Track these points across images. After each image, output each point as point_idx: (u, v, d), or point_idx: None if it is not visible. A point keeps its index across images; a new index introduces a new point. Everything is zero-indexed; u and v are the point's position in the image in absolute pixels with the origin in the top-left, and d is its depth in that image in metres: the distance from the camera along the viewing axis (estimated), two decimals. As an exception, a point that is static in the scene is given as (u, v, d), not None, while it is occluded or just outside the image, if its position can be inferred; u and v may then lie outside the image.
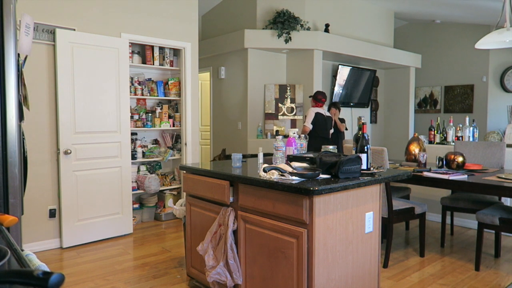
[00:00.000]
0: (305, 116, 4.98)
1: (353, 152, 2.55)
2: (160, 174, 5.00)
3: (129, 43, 4.35)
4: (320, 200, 2.00)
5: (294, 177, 2.12)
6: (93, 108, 4.02)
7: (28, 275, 0.67)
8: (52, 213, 3.86)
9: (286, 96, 6.10)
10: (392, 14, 7.50)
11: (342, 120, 5.99)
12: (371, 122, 7.77)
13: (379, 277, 2.45)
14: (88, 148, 3.99)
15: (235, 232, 2.42)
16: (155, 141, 5.10)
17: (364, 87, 7.20)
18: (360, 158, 2.31)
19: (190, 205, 2.86)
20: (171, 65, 4.94)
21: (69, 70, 3.84)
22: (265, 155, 2.94)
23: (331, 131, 5.15)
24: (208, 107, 6.82)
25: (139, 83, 4.74)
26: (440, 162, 3.68)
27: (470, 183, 3.11)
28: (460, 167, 3.53)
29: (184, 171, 2.93)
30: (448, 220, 4.26)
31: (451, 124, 4.79)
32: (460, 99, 7.84)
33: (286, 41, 5.69)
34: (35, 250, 3.60)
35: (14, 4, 1.59)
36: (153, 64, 4.76)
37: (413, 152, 4.05)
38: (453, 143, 4.51)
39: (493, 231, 3.74)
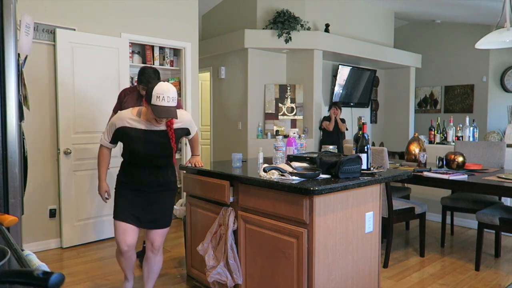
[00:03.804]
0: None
1: (353, 152, 2.55)
2: (160, 174, 4.99)
3: (129, 43, 4.35)
4: (320, 200, 2.00)
5: (294, 177, 2.12)
6: (93, 108, 4.01)
7: (28, 275, 0.67)
8: (52, 213, 3.86)
9: (286, 96, 6.10)
10: (392, 14, 7.50)
11: (343, 120, 6.00)
12: (371, 122, 7.76)
13: (379, 277, 2.45)
14: (88, 148, 3.99)
15: (235, 232, 2.42)
16: (155, 141, 5.09)
17: (364, 87, 7.20)
18: (360, 158, 2.31)
19: (190, 205, 2.86)
20: (171, 65, 4.94)
21: (69, 70, 3.84)
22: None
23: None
24: (208, 107, 6.82)
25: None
26: (440, 162, 3.68)
27: (470, 183, 3.11)
28: (460, 167, 3.53)
29: (184, 171, 2.93)
30: (448, 220, 4.26)
31: (451, 124, 4.79)
32: (460, 99, 7.84)
33: (286, 41, 5.69)
34: (35, 250, 3.60)
35: (14, 4, 1.59)
36: (153, 64, 4.76)
37: (413, 152, 4.05)
38: (453, 143, 4.51)
39: (493, 231, 3.74)
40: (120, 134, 2.36)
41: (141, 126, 2.31)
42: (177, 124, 2.39)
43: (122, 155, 2.49)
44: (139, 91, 3.11)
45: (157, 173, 2.40)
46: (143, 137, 2.31)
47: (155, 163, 2.39)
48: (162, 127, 2.31)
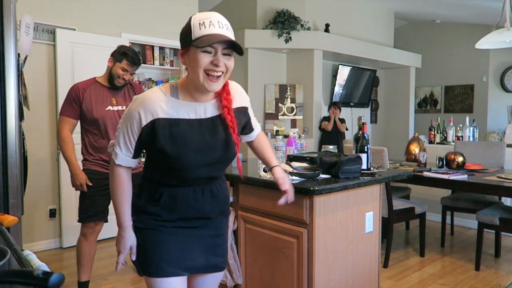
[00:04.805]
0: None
1: (353, 152, 2.55)
2: (160, 174, 4.99)
3: (129, 43, 4.35)
4: (320, 200, 2.00)
5: (294, 177, 2.12)
6: (93, 108, 4.01)
7: (28, 275, 0.67)
8: (52, 213, 3.86)
9: (286, 96, 6.10)
10: (392, 14, 7.49)
11: (343, 120, 6.00)
12: (371, 122, 7.76)
13: (379, 277, 2.45)
14: (88, 148, 3.99)
15: (235, 232, 2.42)
16: (155, 141, 5.09)
17: (364, 87, 7.19)
18: (360, 158, 2.31)
19: (190, 205, 2.85)
20: (171, 65, 4.93)
21: (69, 70, 3.84)
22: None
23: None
24: (208, 107, 6.81)
25: (140, 83, 4.73)
26: (440, 162, 3.68)
27: (470, 183, 3.11)
28: (460, 167, 3.53)
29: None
30: (448, 220, 4.26)
31: (451, 124, 4.79)
32: (460, 99, 7.83)
33: (286, 41, 5.69)
34: (35, 250, 3.60)
35: (14, 4, 1.59)
36: (153, 64, 4.76)
37: (413, 152, 4.05)
38: (453, 143, 4.51)
39: (493, 231, 3.74)
40: (148, 137, 1.31)
41: (184, 113, 1.31)
42: (234, 102, 1.39)
43: (145, 167, 1.47)
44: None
45: (212, 189, 1.46)
46: (191, 134, 1.32)
47: (212, 175, 1.44)
48: (215, 110, 1.36)
